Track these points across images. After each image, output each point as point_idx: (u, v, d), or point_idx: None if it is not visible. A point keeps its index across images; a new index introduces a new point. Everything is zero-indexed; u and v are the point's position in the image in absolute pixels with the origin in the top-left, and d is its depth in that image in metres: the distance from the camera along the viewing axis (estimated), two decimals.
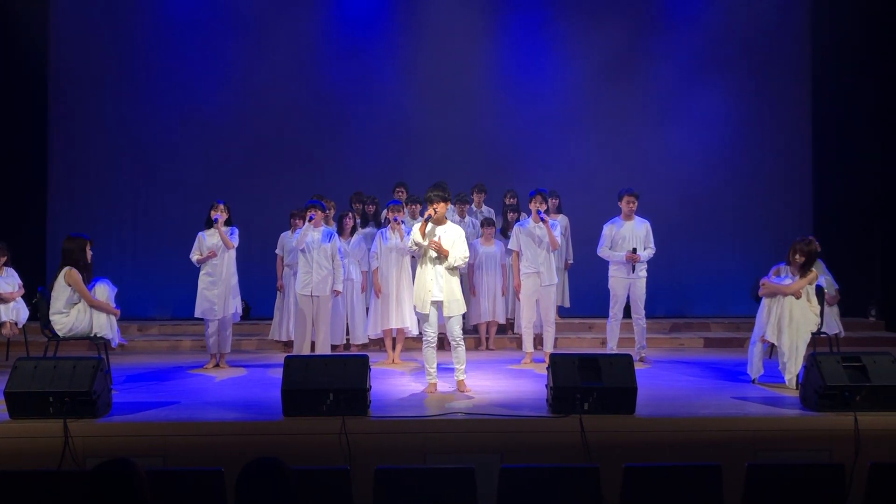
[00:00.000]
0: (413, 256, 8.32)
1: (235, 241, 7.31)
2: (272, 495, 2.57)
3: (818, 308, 6.36)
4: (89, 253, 6.40)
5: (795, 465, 3.82)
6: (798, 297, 6.18)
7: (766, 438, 5.14)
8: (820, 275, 7.19)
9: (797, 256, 6.31)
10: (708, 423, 5.21)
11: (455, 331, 6.13)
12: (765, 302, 6.36)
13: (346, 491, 3.41)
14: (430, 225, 6.08)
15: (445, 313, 6.10)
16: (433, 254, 6.05)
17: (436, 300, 6.06)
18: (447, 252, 6.03)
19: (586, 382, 5.19)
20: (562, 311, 9.59)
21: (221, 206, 7.25)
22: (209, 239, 7.26)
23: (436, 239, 6.04)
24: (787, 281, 6.27)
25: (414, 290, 6.23)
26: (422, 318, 6.16)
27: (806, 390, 5.45)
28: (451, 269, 6.10)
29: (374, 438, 5.08)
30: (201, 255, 7.24)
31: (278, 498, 2.58)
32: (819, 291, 6.56)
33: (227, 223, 7.30)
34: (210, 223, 7.26)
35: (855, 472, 4.40)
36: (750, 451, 5.04)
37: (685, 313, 10.21)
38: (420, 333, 8.03)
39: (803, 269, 6.29)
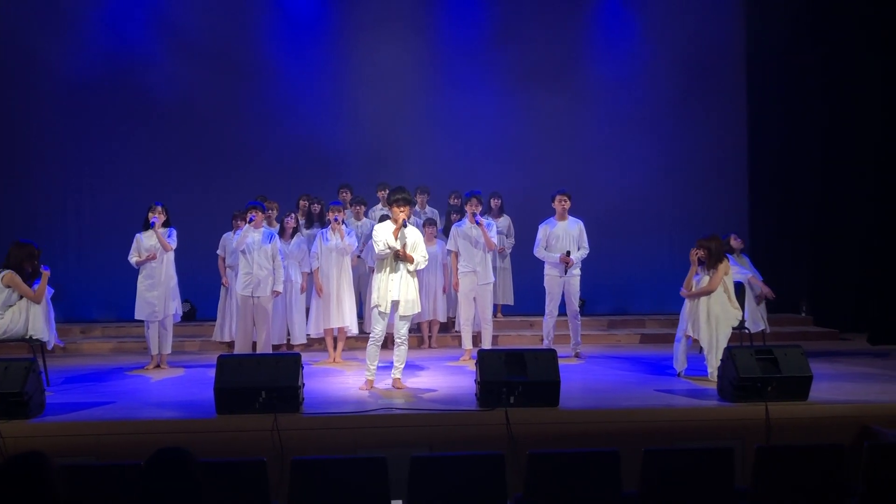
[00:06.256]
0: (359, 256, 8.52)
1: (173, 243, 7.35)
2: (177, 484, 2.69)
3: (737, 303, 6.63)
4: (35, 262, 6.38)
5: (689, 449, 4.06)
6: (713, 290, 6.44)
7: (685, 428, 5.37)
8: (742, 267, 7.50)
9: (701, 252, 6.57)
10: (629, 415, 5.44)
11: (402, 330, 6.27)
12: (687, 300, 6.64)
13: (262, 482, 3.54)
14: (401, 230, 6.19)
15: (400, 312, 6.23)
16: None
17: (393, 300, 6.19)
18: (413, 259, 6.17)
19: (511, 377, 5.38)
20: (505, 309, 9.82)
21: (159, 209, 7.29)
22: (147, 240, 7.30)
23: (407, 243, 6.17)
24: (706, 279, 6.53)
25: (376, 291, 6.28)
26: (381, 318, 6.24)
27: (723, 382, 5.71)
28: (411, 271, 6.24)
29: (307, 434, 5.20)
30: (140, 257, 7.27)
31: (183, 487, 2.70)
32: (739, 287, 6.85)
33: (165, 224, 7.34)
34: (147, 225, 7.29)
35: None
36: (668, 439, 5.27)
37: (625, 310, 10.50)
38: (360, 332, 8.24)
39: (711, 264, 6.53)
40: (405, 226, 6.21)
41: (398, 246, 6.16)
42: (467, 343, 7.84)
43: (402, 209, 6.20)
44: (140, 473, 2.71)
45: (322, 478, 3.56)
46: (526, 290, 9.66)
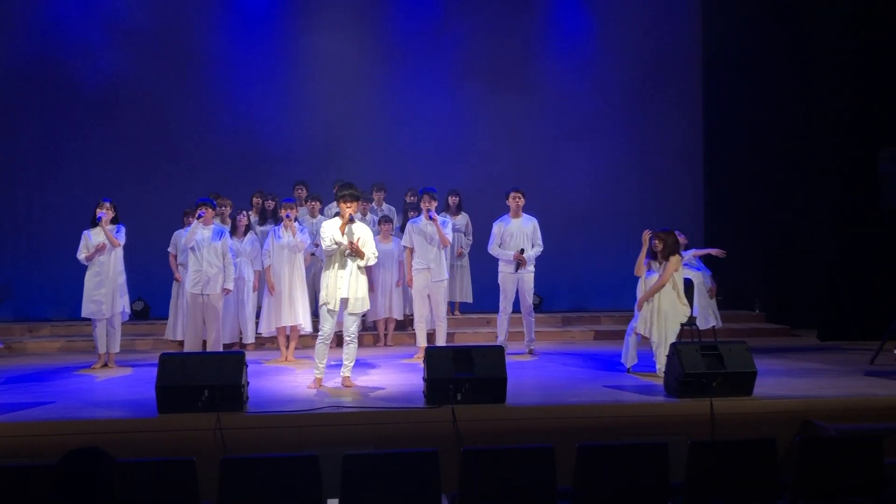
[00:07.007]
0: (313, 254, 8.44)
1: (122, 240, 7.22)
2: (90, 485, 2.63)
3: (686, 300, 6.69)
4: None
5: (624, 444, 4.07)
6: (665, 283, 6.51)
7: (632, 423, 5.40)
8: (690, 262, 7.59)
9: (657, 242, 6.65)
10: (574, 410, 5.44)
11: (351, 328, 6.21)
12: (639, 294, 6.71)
13: (191, 482, 3.48)
14: (348, 225, 6.12)
15: (349, 310, 6.16)
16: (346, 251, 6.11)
17: (343, 297, 6.13)
18: (364, 253, 6.12)
19: (459, 374, 5.36)
20: (464, 307, 9.82)
21: (107, 205, 7.16)
22: (95, 237, 7.16)
23: (355, 239, 6.10)
24: (654, 277, 6.61)
25: (325, 288, 6.18)
26: (330, 315, 6.16)
27: (668, 378, 5.75)
28: (360, 268, 6.19)
29: (250, 433, 5.12)
30: (88, 252, 7.13)
31: (97, 487, 2.64)
32: (689, 285, 6.91)
33: (114, 221, 7.21)
34: (95, 222, 7.16)
35: None
36: (615, 435, 5.28)
37: (583, 308, 10.55)
38: (314, 330, 8.15)
39: (664, 255, 6.61)
40: (352, 221, 6.15)
41: (345, 241, 6.09)
42: (422, 341, 7.80)
43: (348, 205, 6.14)
44: (56, 470, 2.64)
45: (253, 477, 3.50)
46: (485, 288, 9.66)
